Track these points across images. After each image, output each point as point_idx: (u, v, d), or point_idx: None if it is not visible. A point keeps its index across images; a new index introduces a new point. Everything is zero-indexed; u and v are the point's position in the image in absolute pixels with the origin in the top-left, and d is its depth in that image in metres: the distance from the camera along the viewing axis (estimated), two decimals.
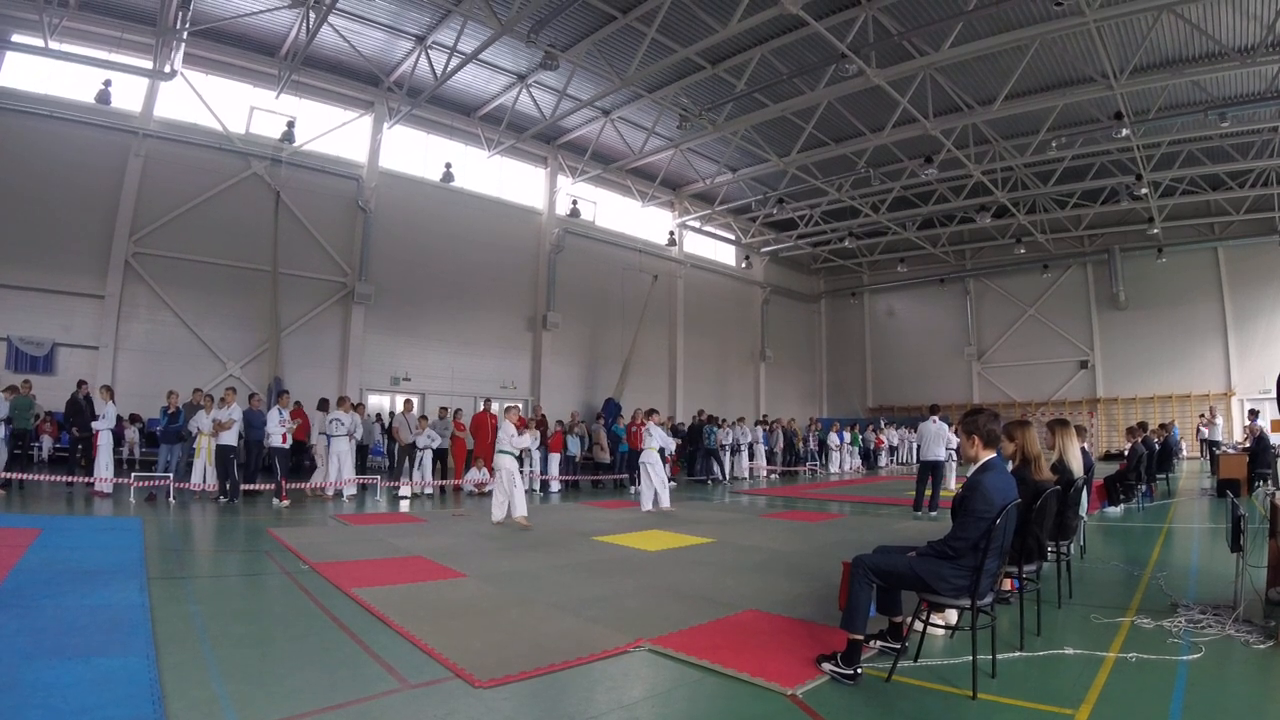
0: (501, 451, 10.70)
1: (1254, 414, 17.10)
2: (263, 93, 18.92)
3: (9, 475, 11.82)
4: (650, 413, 13.70)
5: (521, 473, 16.22)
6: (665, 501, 12.59)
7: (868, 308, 37.71)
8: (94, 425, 12.45)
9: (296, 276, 19.40)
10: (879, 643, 4.38)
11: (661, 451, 13.37)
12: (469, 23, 15.97)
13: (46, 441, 15.88)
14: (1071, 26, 14.61)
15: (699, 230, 29.98)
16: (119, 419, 13.70)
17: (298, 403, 15.45)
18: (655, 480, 12.49)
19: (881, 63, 16.33)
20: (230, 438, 12.26)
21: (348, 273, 20.26)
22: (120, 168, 17.01)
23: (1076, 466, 6.09)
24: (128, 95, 16.92)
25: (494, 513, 10.51)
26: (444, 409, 17.43)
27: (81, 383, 13.38)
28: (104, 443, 12.41)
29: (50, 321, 16.17)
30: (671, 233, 28.89)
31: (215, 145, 18.32)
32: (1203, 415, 23.80)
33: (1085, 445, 7.67)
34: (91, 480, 12.14)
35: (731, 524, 10.75)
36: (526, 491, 15.82)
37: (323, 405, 14.69)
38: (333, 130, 20.23)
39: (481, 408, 16.93)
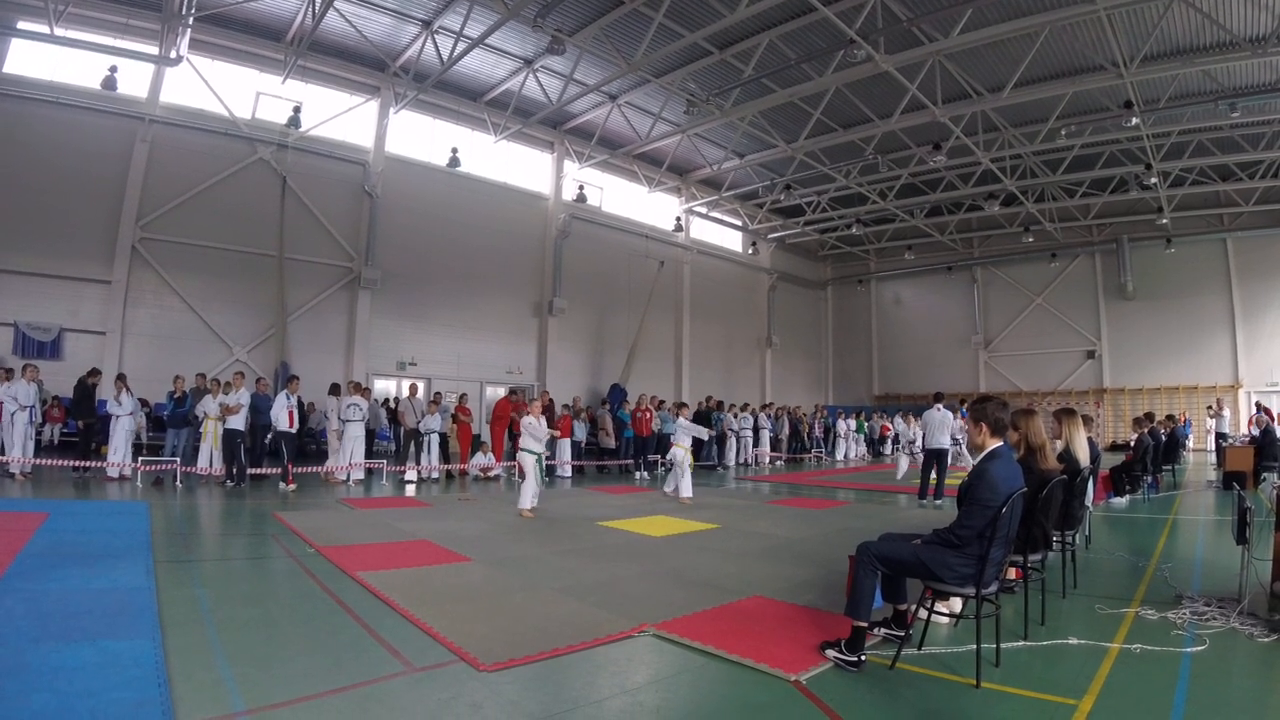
0: (525, 451, 10.23)
1: (1259, 406, 17.07)
2: (269, 78, 18.85)
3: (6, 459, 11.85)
4: (680, 406, 13.91)
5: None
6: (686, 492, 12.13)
7: (874, 295, 37.56)
8: (111, 410, 12.60)
9: (303, 261, 19.42)
10: (883, 630, 4.39)
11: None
12: (475, 7, 15.87)
13: (53, 426, 15.99)
14: (1082, 14, 14.51)
15: (706, 216, 29.82)
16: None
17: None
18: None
19: (890, 49, 16.18)
20: (238, 422, 12.33)
21: (354, 258, 20.25)
22: (126, 153, 16.99)
23: (1083, 456, 6.08)
24: (134, 81, 16.87)
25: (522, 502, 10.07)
26: (438, 394, 17.46)
27: (95, 371, 13.45)
28: (121, 428, 12.56)
29: (57, 307, 16.21)
30: (678, 218, 28.79)
31: (221, 131, 18.28)
32: (1210, 407, 23.68)
33: (1092, 435, 7.64)
34: (98, 464, 12.23)
35: (737, 510, 10.76)
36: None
37: (334, 390, 14.74)
38: (339, 115, 20.14)
39: (503, 394, 17.02)
